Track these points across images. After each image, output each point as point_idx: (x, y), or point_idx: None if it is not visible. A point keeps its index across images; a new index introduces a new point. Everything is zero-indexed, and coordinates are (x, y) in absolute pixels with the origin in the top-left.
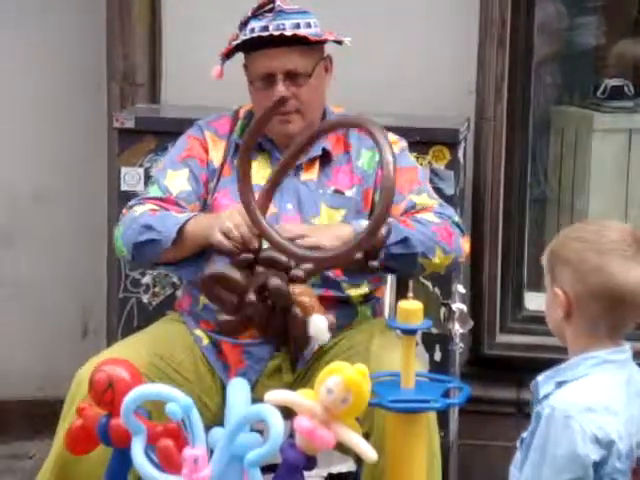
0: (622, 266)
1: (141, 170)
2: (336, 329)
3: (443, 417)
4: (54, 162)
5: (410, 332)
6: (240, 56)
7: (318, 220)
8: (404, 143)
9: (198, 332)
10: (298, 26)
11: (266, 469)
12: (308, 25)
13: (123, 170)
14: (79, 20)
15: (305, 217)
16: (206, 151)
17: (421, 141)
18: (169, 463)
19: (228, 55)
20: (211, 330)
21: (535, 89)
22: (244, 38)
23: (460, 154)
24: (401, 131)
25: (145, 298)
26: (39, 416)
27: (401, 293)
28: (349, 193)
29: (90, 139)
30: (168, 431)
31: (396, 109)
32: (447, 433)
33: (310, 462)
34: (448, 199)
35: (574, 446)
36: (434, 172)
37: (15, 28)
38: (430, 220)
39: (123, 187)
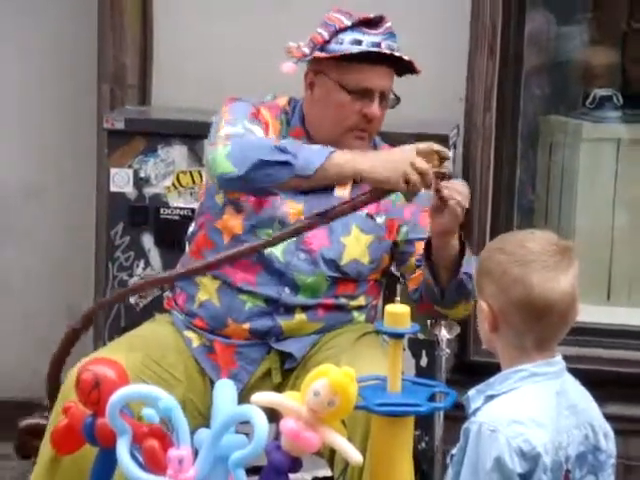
0: (542, 277)
1: (130, 171)
2: (327, 330)
3: (428, 422)
4: (43, 162)
5: (397, 336)
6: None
7: (347, 240)
8: None
9: (188, 334)
10: (399, 49)
11: (252, 471)
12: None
13: (112, 171)
14: (71, 21)
15: (334, 234)
16: (267, 122)
17: None
18: (154, 463)
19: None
20: (204, 329)
21: (524, 98)
22: (361, 49)
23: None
24: (391, 136)
25: (132, 299)
26: (23, 417)
27: (389, 297)
28: (379, 220)
29: (80, 140)
30: (153, 431)
31: (386, 115)
32: (432, 438)
33: (295, 464)
34: None
35: (501, 459)
36: None
37: (6, 28)
38: None
39: (112, 188)
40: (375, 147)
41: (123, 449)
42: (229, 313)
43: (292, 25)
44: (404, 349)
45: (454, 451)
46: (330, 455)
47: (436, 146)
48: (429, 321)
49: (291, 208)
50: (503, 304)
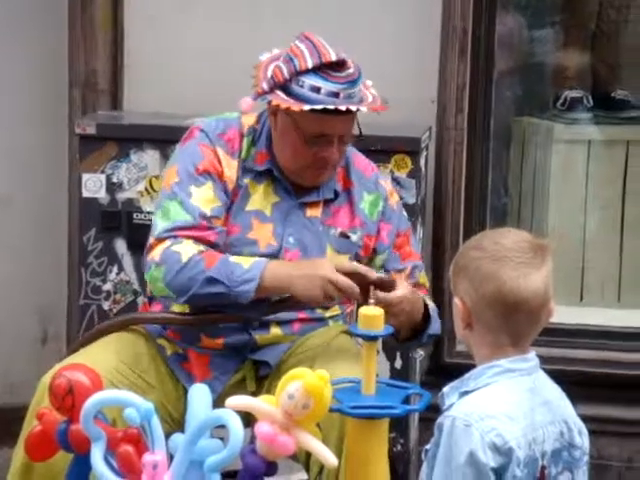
0: (514, 273)
1: (102, 176)
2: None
3: (403, 424)
4: (15, 167)
5: (371, 338)
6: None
7: None
8: (397, 196)
9: (161, 341)
10: (359, 92)
11: (227, 475)
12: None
13: (84, 176)
14: (41, 26)
15: (309, 257)
16: (221, 166)
17: (383, 149)
18: (129, 469)
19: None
20: (178, 339)
21: (496, 100)
22: (317, 107)
23: (422, 163)
24: (364, 140)
25: (106, 305)
26: None
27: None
28: (354, 237)
29: (51, 145)
30: (128, 437)
31: (358, 117)
32: (407, 440)
33: (270, 468)
34: (410, 208)
35: (475, 454)
36: (396, 180)
37: None
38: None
39: (84, 193)
40: (346, 156)
41: (97, 455)
42: (202, 329)
43: (264, 31)
44: (378, 351)
45: (428, 446)
46: (306, 458)
47: (361, 268)
48: None
49: (262, 233)
50: (476, 300)
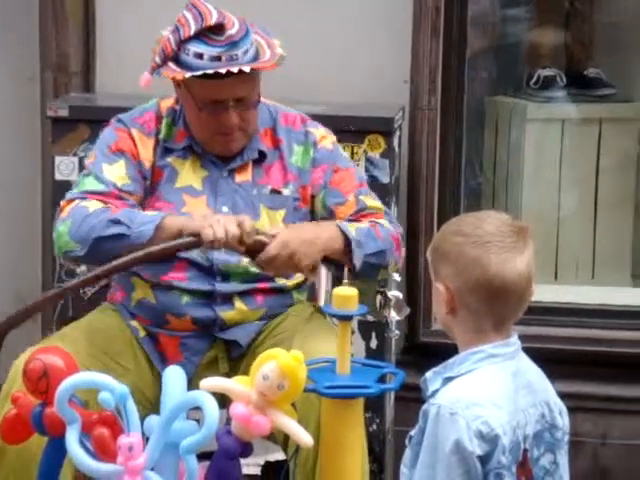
0: (499, 257)
1: (75, 159)
2: (272, 317)
3: (379, 404)
4: None
5: (345, 318)
6: None
7: (259, 224)
8: (334, 137)
9: (134, 323)
10: (247, 53)
11: (202, 456)
12: (253, 47)
13: (57, 159)
14: (11, 8)
15: None
16: (135, 147)
17: (356, 129)
18: (104, 451)
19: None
20: (148, 324)
21: (469, 79)
22: (196, 73)
23: (395, 143)
24: (336, 120)
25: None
26: None
27: (337, 280)
28: (286, 191)
29: (23, 128)
30: (103, 419)
31: (331, 98)
32: (383, 420)
33: (246, 449)
34: (383, 187)
35: (460, 442)
36: (369, 160)
37: None
38: (388, 228)
39: (57, 176)
40: (273, 117)
41: (72, 438)
42: (167, 309)
43: (239, 13)
44: (353, 331)
45: (412, 432)
46: (284, 439)
47: (247, 224)
48: (378, 302)
49: (195, 207)
50: (460, 285)
